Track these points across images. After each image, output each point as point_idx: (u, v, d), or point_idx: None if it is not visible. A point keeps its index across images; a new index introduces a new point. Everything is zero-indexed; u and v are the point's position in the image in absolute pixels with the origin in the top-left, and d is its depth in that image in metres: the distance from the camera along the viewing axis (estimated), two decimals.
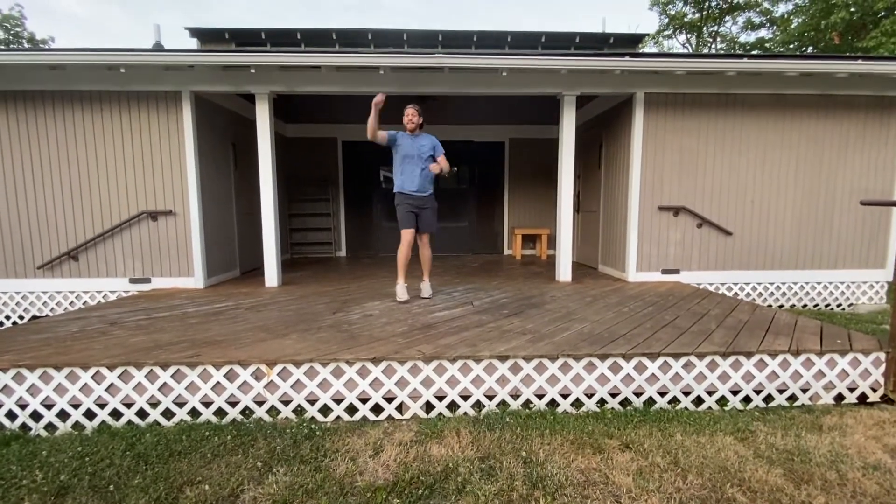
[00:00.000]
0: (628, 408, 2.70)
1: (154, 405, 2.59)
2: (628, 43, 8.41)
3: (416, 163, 4.14)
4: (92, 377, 2.56)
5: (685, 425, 2.48)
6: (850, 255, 5.39)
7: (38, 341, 2.99)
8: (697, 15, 17.40)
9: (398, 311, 3.86)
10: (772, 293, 5.41)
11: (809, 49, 14.27)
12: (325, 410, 2.66)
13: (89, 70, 4.61)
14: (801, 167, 5.27)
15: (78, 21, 44.52)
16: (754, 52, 15.85)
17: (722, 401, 2.80)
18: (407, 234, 4.18)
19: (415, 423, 2.55)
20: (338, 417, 2.64)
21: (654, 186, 5.22)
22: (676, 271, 5.33)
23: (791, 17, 15.18)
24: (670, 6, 17.52)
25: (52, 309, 5.04)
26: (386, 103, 3.85)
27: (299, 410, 2.66)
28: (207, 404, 2.62)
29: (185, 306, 4.11)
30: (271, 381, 2.62)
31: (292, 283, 5.43)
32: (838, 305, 5.47)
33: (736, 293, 5.39)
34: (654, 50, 18.38)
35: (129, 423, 2.57)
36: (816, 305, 5.46)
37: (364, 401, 2.67)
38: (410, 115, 4.14)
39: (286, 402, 2.65)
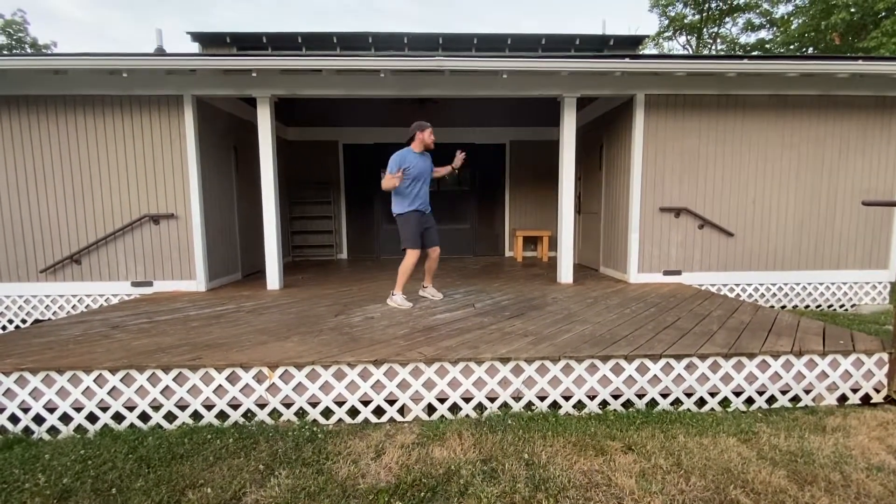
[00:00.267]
0: (631, 409, 2.70)
1: (156, 408, 2.60)
2: (628, 45, 8.43)
3: (427, 182, 4.18)
4: (94, 380, 2.56)
5: (688, 427, 2.48)
6: (852, 256, 5.37)
7: (40, 345, 3.00)
8: (697, 16, 17.43)
9: (399, 313, 3.86)
10: (774, 294, 5.39)
11: (810, 50, 14.28)
12: (327, 413, 2.66)
13: (92, 74, 4.63)
14: (802, 168, 5.26)
15: (80, 26, 44.79)
16: (755, 53, 15.87)
17: (725, 402, 2.79)
18: (417, 254, 4.13)
19: (416, 426, 2.55)
20: (339, 420, 2.64)
21: (655, 188, 5.22)
22: (678, 272, 5.33)
23: (791, 18, 15.21)
24: (670, 8, 17.57)
25: (54, 312, 5.05)
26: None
27: (301, 413, 2.66)
28: (209, 407, 2.62)
29: (186, 309, 4.11)
30: (273, 383, 2.62)
31: (294, 285, 5.44)
32: (841, 306, 5.45)
33: (738, 294, 5.38)
34: (655, 51, 18.41)
35: (132, 426, 2.57)
36: (819, 306, 5.44)
37: (366, 403, 2.67)
38: (433, 137, 4.10)
39: (288, 405, 2.65)
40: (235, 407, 2.62)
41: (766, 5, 16.25)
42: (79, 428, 2.57)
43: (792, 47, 14.63)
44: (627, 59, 4.63)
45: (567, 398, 2.72)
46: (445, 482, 1.99)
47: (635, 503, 1.85)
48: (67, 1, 43.87)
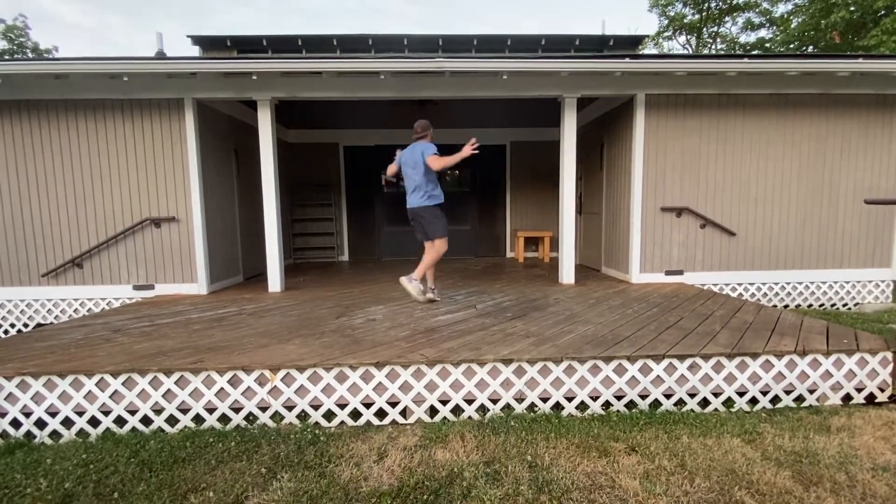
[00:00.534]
0: (634, 410, 2.69)
1: (158, 412, 2.59)
2: (628, 45, 8.44)
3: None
4: (96, 384, 2.56)
5: (691, 427, 2.46)
6: (855, 254, 5.35)
7: (42, 349, 3.00)
8: (697, 16, 17.43)
9: (401, 315, 3.85)
10: (776, 293, 5.38)
11: (810, 48, 14.27)
12: (329, 416, 2.65)
13: (93, 79, 4.64)
14: (804, 166, 5.25)
15: (81, 30, 44.95)
16: (755, 53, 15.86)
17: (728, 402, 2.78)
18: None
19: (419, 428, 2.54)
20: (342, 423, 2.63)
21: (656, 187, 5.21)
22: (680, 272, 5.31)
23: (791, 17, 15.20)
24: (670, 7, 17.57)
25: (56, 316, 5.06)
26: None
27: (303, 416, 2.65)
28: (211, 410, 2.61)
29: (188, 312, 4.11)
30: (275, 386, 2.61)
31: (295, 287, 5.44)
32: (844, 305, 5.43)
33: (740, 294, 5.36)
34: (654, 51, 18.42)
35: (134, 430, 2.56)
36: (822, 305, 5.42)
37: (368, 405, 2.66)
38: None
39: (290, 408, 2.64)
40: (237, 410, 2.62)
41: (765, 4, 16.26)
42: (80, 432, 2.57)
43: (792, 46, 14.61)
44: (627, 59, 4.63)
45: (570, 399, 2.71)
46: (448, 485, 1.98)
47: None
48: (68, 6, 44.05)
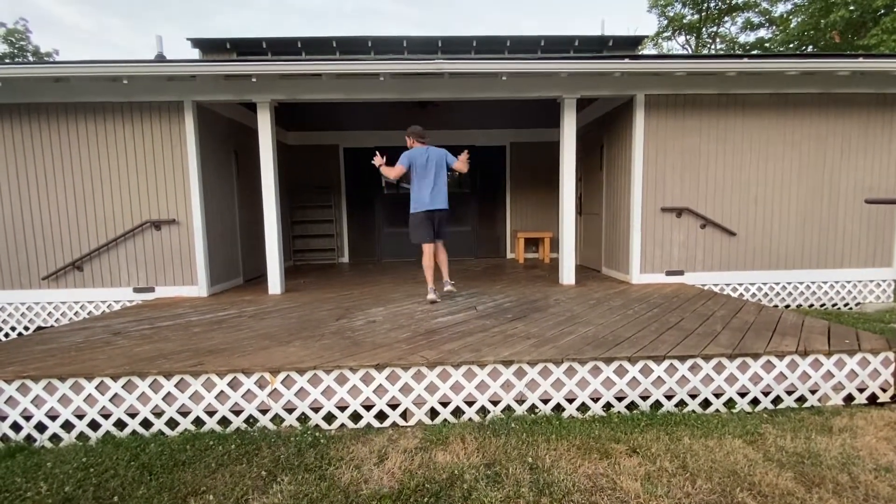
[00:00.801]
0: (635, 412, 2.68)
1: (158, 415, 2.59)
2: (627, 45, 8.44)
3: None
4: (96, 387, 2.56)
5: (693, 429, 2.46)
6: (855, 254, 5.34)
7: (42, 352, 3.00)
8: (696, 16, 17.44)
9: (401, 316, 3.85)
10: (777, 293, 5.37)
11: (809, 48, 14.27)
12: (330, 418, 2.65)
13: (93, 82, 4.65)
14: (804, 166, 5.24)
15: (81, 34, 45.12)
16: (754, 52, 15.86)
17: (730, 403, 2.77)
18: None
19: (419, 430, 2.53)
20: (342, 425, 2.63)
21: (656, 188, 5.20)
22: (680, 273, 5.30)
23: (790, 17, 15.20)
24: (669, 8, 17.58)
25: (56, 319, 5.06)
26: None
27: (303, 418, 2.65)
28: (211, 413, 2.61)
29: (188, 315, 4.11)
30: (275, 389, 2.61)
31: (295, 289, 5.43)
32: (845, 305, 5.42)
33: (741, 294, 5.35)
34: (654, 51, 18.42)
35: (134, 433, 2.56)
36: (823, 305, 5.41)
37: (368, 408, 2.66)
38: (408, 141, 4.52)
39: (290, 410, 2.64)
40: (237, 413, 2.61)
41: (764, 4, 16.26)
42: (81, 435, 2.57)
43: (791, 46, 14.61)
44: (627, 60, 4.63)
45: (570, 401, 2.71)
46: (449, 487, 1.97)
47: None
48: (69, 9, 44.21)
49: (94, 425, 2.59)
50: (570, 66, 4.59)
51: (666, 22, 17.97)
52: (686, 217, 5.24)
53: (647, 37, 16.39)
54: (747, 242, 5.30)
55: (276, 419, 2.63)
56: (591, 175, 6.69)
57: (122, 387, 2.56)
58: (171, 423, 2.60)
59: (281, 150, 6.72)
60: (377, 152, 4.51)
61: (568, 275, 5.31)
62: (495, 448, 2.27)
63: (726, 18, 17.36)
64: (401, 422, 2.65)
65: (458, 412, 2.69)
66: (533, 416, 2.63)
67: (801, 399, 2.82)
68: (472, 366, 2.65)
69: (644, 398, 2.73)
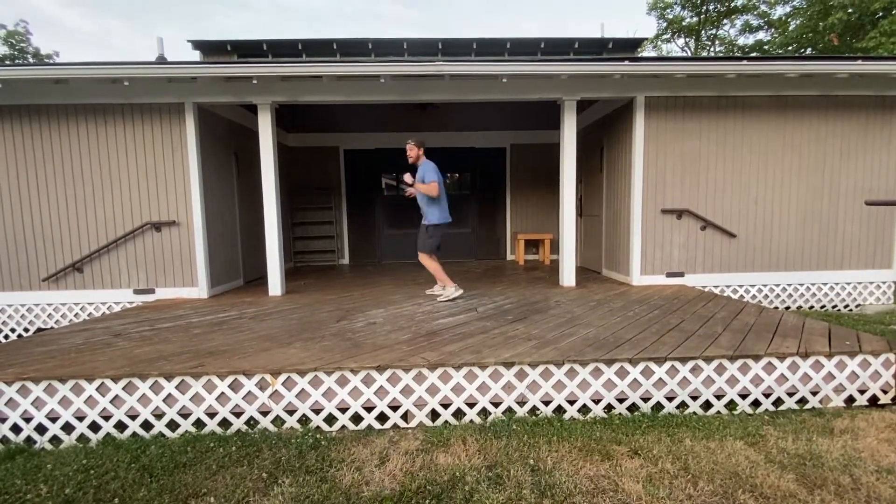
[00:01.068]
0: (636, 413, 2.68)
1: (159, 417, 2.58)
2: (627, 47, 8.45)
3: None
4: (96, 389, 2.55)
5: (694, 430, 2.46)
6: (856, 256, 5.35)
7: (42, 354, 2.99)
8: (695, 19, 17.49)
9: (402, 318, 3.85)
10: (778, 295, 5.37)
11: (808, 50, 14.31)
12: (330, 420, 2.64)
13: (93, 83, 4.65)
14: (804, 168, 5.25)
15: (82, 36, 45.19)
16: (753, 55, 15.90)
17: (731, 405, 2.77)
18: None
19: (420, 432, 2.53)
20: (343, 427, 2.62)
21: (656, 189, 5.21)
22: (681, 274, 5.31)
23: (789, 20, 15.25)
24: (668, 10, 17.63)
25: (56, 321, 5.05)
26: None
27: (304, 420, 2.64)
28: (212, 415, 2.60)
29: (189, 316, 4.11)
30: (276, 390, 2.61)
31: (296, 291, 5.43)
32: (845, 306, 5.42)
33: (742, 295, 5.35)
34: (653, 54, 18.46)
35: (134, 434, 2.55)
36: (823, 307, 5.41)
37: (369, 409, 2.65)
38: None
39: (291, 412, 2.63)
40: (238, 414, 2.61)
41: (763, 7, 16.31)
42: (81, 437, 2.56)
43: (790, 48, 14.66)
44: (627, 62, 4.64)
45: (572, 402, 2.70)
46: (450, 489, 1.97)
47: None
48: (70, 11, 44.28)
49: (94, 427, 2.58)
50: (570, 68, 4.60)
51: (665, 24, 18.03)
52: (686, 219, 5.25)
53: (646, 39, 16.44)
54: (747, 244, 5.31)
55: (277, 421, 2.62)
56: (591, 177, 6.70)
57: (123, 388, 2.56)
58: (172, 425, 2.60)
59: (281, 152, 6.72)
60: (407, 174, 4.56)
61: (568, 276, 5.32)
62: (497, 450, 2.27)
63: (725, 21, 17.42)
64: (402, 423, 2.65)
65: (459, 414, 2.68)
66: (534, 417, 2.63)
67: (803, 401, 2.81)
68: (473, 367, 2.65)
69: (645, 400, 2.73)
